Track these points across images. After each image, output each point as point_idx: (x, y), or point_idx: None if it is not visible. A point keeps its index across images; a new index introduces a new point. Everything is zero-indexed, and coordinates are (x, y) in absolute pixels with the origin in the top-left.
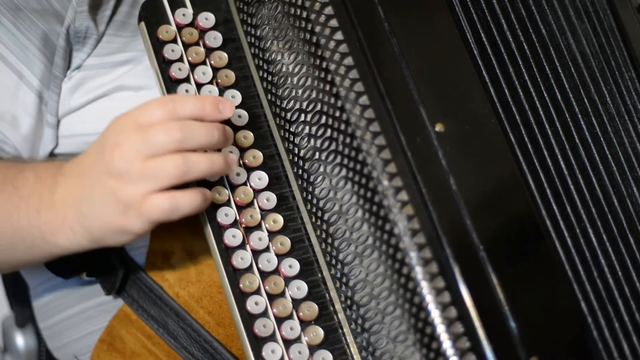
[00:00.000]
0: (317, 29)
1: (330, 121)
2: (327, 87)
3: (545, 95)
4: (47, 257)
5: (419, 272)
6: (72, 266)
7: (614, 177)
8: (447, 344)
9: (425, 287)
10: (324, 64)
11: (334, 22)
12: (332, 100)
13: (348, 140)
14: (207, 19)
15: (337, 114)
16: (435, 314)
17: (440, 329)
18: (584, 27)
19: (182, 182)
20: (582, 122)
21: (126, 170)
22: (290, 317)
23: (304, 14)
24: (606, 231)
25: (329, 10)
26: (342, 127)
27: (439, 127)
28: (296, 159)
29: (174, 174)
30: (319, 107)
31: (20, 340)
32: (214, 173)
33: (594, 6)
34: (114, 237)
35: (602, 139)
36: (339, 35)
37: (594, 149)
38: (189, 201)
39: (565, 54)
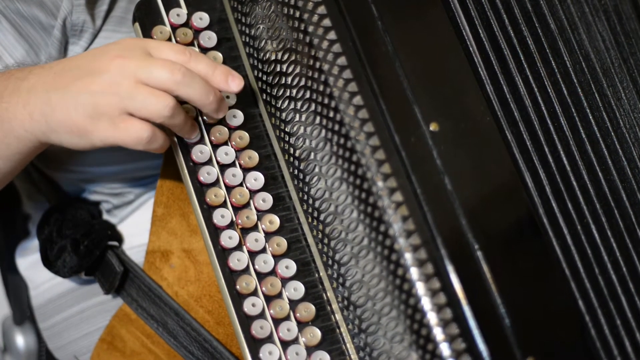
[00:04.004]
0: (310, 28)
1: (324, 121)
2: (321, 87)
3: (551, 90)
4: (7, 155)
5: (414, 273)
6: (70, 265)
7: (624, 172)
8: (442, 346)
9: (420, 289)
10: (318, 64)
11: (327, 22)
12: (326, 101)
13: (342, 140)
14: (201, 18)
15: (331, 114)
16: (430, 316)
17: (436, 330)
18: (602, 25)
19: (158, 122)
20: (590, 117)
21: (116, 82)
22: (287, 318)
23: (297, 14)
24: (611, 227)
25: (321, 9)
26: (336, 127)
27: (433, 127)
28: (292, 159)
29: (159, 114)
30: (312, 107)
31: (20, 340)
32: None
33: (616, 8)
34: (69, 137)
35: (613, 134)
36: (332, 35)
37: (603, 144)
38: (162, 140)
39: (576, 48)
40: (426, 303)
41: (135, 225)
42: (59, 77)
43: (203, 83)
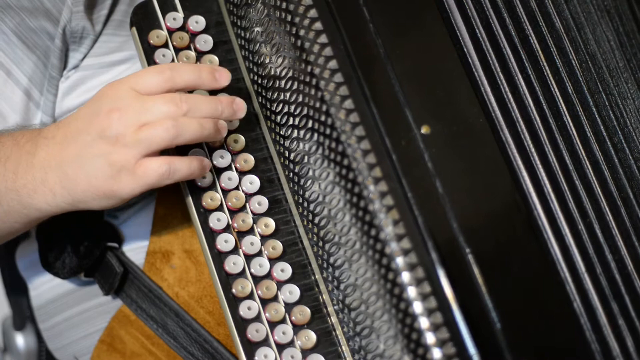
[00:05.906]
0: (302, 32)
1: (316, 125)
2: (313, 91)
3: (554, 88)
4: (25, 222)
5: (404, 277)
6: (70, 266)
7: (631, 170)
8: (433, 350)
9: (411, 293)
10: (309, 68)
11: (318, 25)
12: (318, 104)
13: (334, 144)
14: (197, 22)
15: (323, 118)
16: (421, 320)
17: (427, 334)
18: (607, 25)
19: (173, 145)
20: (596, 115)
21: (122, 135)
22: (282, 321)
23: (289, 17)
24: (618, 225)
25: (313, 13)
26: (328, 131)
27: (424, 129)
28: (287, 162)
29: (164, 137)
30: (305, 111)
31: (21, 340)
32: (204, 138)
33: (617, 9)
34: (98, 201)
35: (620, 133)
36: (323, 39)
37: (610, 142)
38: (186, 165)
39: (582, 47)
40: (417, 307)
41: (136, 226)
42: (65, 147)
43: (206, 100)
